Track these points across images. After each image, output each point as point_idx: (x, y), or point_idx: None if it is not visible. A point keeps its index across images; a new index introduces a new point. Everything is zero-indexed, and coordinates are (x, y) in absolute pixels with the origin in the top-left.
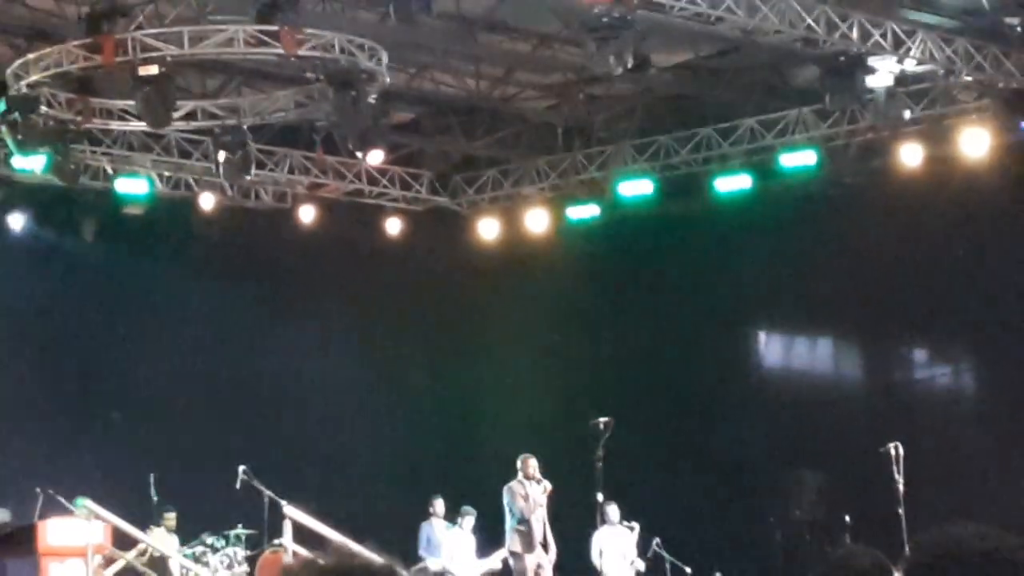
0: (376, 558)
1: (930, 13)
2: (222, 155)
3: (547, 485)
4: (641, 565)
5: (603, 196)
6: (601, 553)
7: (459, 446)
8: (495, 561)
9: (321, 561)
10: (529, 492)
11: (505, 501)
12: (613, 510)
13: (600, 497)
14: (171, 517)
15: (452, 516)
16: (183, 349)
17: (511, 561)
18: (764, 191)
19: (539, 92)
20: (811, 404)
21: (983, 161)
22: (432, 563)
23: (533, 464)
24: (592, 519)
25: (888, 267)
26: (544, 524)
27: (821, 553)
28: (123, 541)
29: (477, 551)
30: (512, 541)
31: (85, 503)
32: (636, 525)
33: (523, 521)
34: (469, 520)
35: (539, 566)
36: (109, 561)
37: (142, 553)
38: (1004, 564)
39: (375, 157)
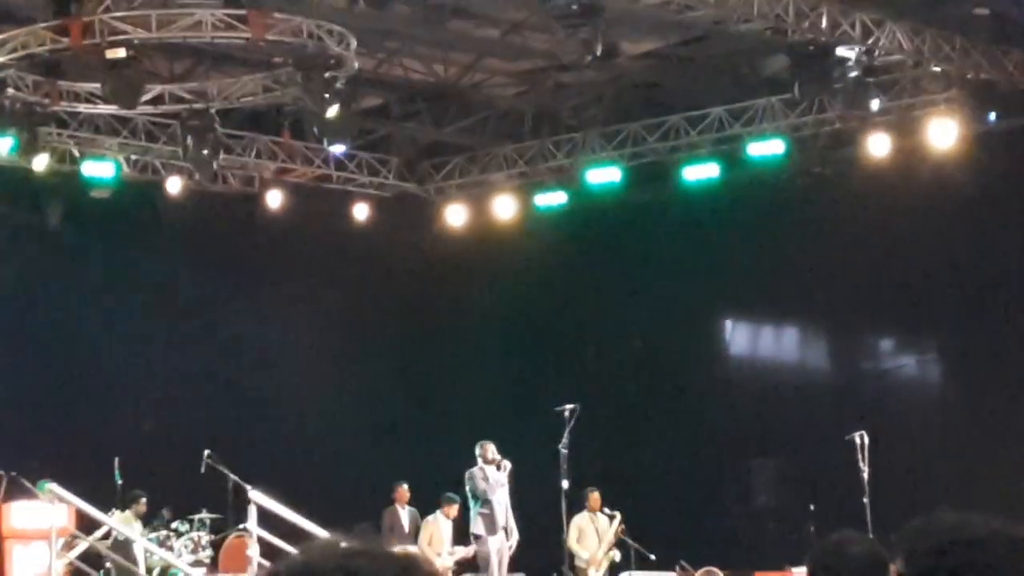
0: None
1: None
2: (192, 147)
3: (506, 464)
4: (617, 555)
5: (571, 183)
6: (579, 538)
7: (425, 432)
8: (470, 550)
9: (344, 544)
10: (489, 475)
11: (468, 487)
12: (594, 497)
13: (565, 484)
14: (143, 501)
15: (416, 503)
16: (149, 332)
17: (475, 544)
18: (732, 180)
19: (508, 79)
20: (777, 392)
21: (951, 151)
22: (396, 548)
23: (492, 449)
24: (557, 505)
25: (855, 257)
26: (507, 508)
27: (786, 541)
28: (88, 525)
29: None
30: (475, 524)
31: (49, 486)
32: (617, 514)
33: (486, 504)
34: (453, 508)
35: (499, 550)
36: (71, 545)
37: (105, 536)
38: (1009, 543)
39: (339, 149)
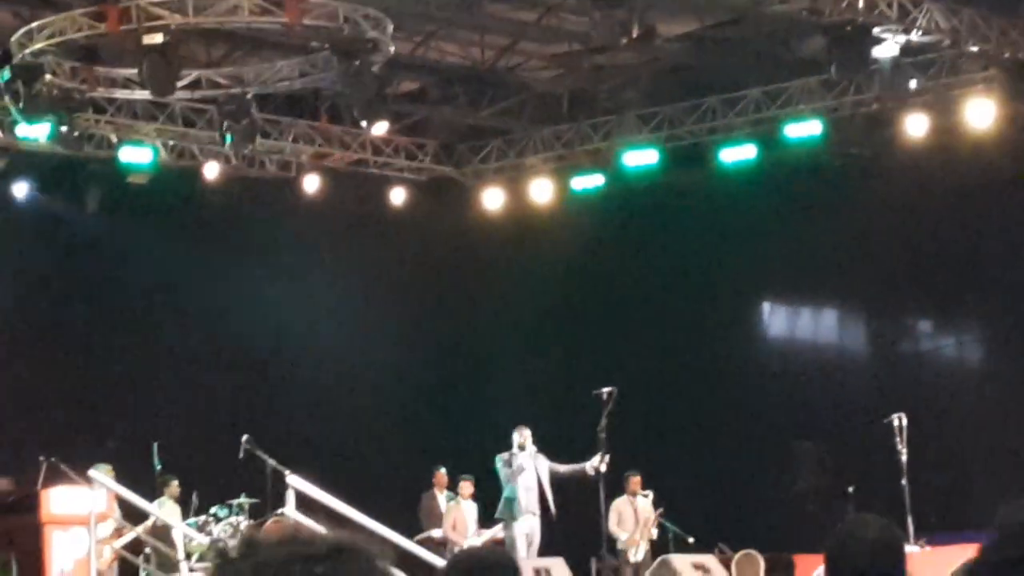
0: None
1: None
2: (228, 133)
3: (532, 450)
4: (654, 532)
5: (608, 166)
6: (619, 521)
7: (463, 416)
8: (496, 531)
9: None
10: (514, 461)
11: (498, 470)
12: (635, 481)
13: (604, 467)
14: (175, 485)
15: (455, 486)
16: (187, 318)
17: (501, 528)
18: (769, 161)
19: (544, 62)
20: (815, 375)
21: (989, 132)
22: (434, 533)
23: (526, 434)
24: (595, 488)
25: (893, 238)
26: (537, 491)
27: (823, 524)
28: (127, 510)
29: (480, 521)
30: (501, 509)
31: (99, 470)
32: (651, 493)
33: (512, 489)
34: (467, 487)
35: (528, 534)
36: (119, 533)
37: (151, 527)
38: None
39: (380, 128)
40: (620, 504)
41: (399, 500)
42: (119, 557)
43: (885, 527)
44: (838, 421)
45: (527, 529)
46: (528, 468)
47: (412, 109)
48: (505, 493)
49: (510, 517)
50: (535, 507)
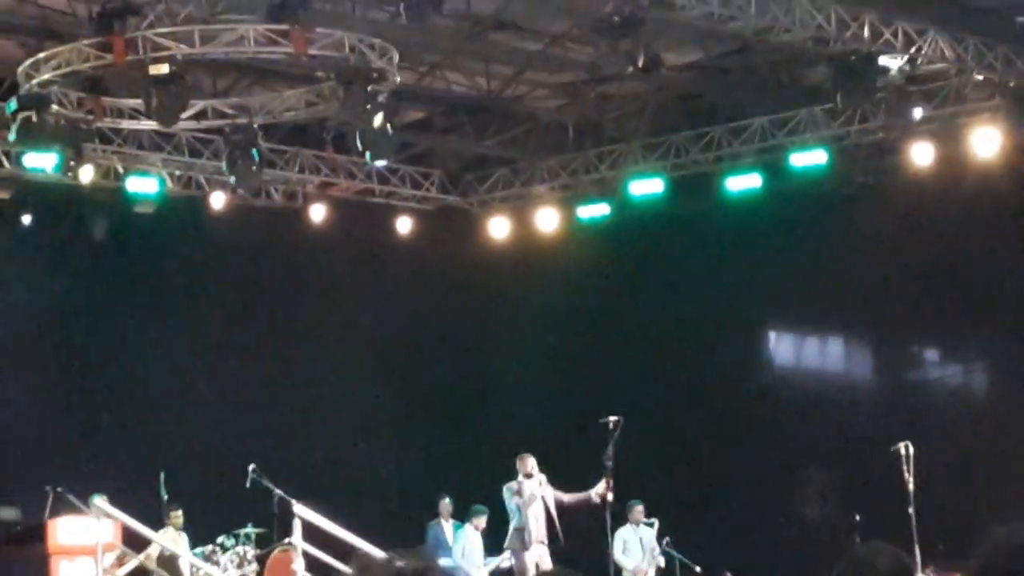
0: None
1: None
2: (233, 163)
3: (542, 479)
4: (661, 560)
5: (614, 195)
6: (624, 550)
7: (469, 444)
8: (503, 559)
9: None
10: (523, 489)
11: (505, 500)
12: (639, 510)
13: (610, 496)
14: (178, 515)
15: (460, 516)
16: (193, 348)
17: (512, 559)
18: (775, 190)
19: (550, 91)
20: (822, 403)
21: (994, 160)
22: (442, 563)
23: (531, 462)
24: (602, 517)
25: (899, 266)
26: (545, 520)
27: (831, 552)
28: (133, 540)
29: (485, 550)
30: (510, 539)
31: (99, 500)
32: (655, 521)
33: (520, 519)
34: (481, 519)
35: (538, 564)
36: (121, 561)
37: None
38: None
39: (382, 162)
40: (624, 533)
41: (404, 529)
42: None
43: (897, 555)
44: (844, 450)
45: (536, 558)
46: (538, 497)
47: (418, 139)
48: (514, 523)
49: (521, 547)
50: (544, 536)
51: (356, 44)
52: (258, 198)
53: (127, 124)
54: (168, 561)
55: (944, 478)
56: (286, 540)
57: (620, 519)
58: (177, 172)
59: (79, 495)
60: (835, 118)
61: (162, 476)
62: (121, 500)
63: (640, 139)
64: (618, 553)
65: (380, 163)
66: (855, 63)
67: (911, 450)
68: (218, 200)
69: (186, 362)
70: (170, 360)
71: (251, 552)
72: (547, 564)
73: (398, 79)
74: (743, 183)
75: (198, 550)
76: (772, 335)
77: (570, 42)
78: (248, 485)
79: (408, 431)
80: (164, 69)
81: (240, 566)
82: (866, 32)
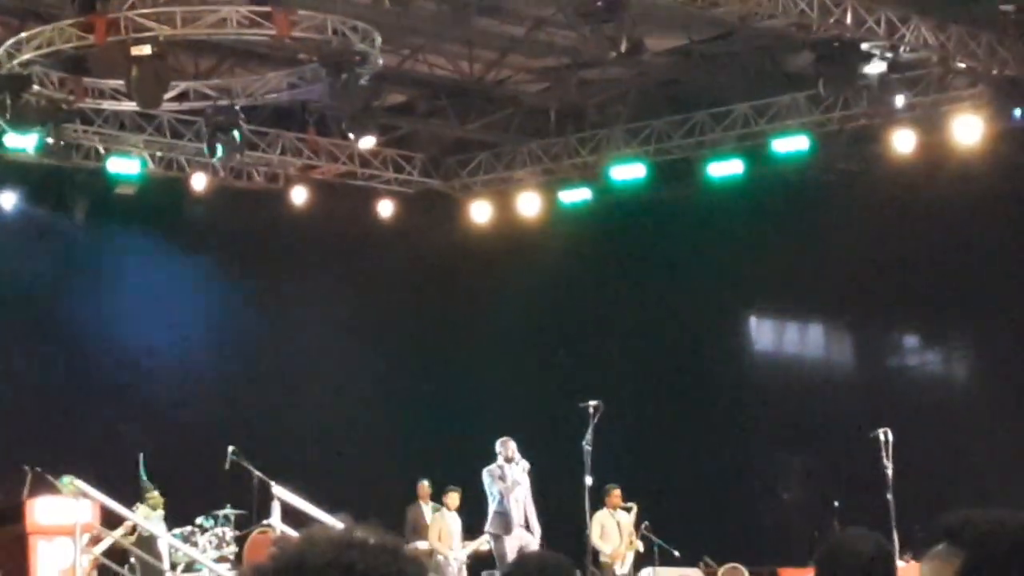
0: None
1: None
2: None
3: (525, 465)
4: (640, 545)
5: (595, 180)
6: (602, 534)
7: (449, 428)
8: (481, 543)
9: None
10: (507, 474)
11: (485, 484)
12: (617, 494)
13: (589, 480)
14: (154, 495)
15: (439, 498)
16: (174, 329)
17: (492, 543)
18: (756, 176)
19: (532, 75)
20: (802, 389)
21: (976, 148)
22: (420, 545)
23: (511, 446)
24: (580, 502)
25: (880, 253)
26: (526, 506)
27: (808, 538)
28: (112, 520)
29: (463, 533)
30: (491, 523)
31: (71, 480)
32: (633, 506)
33: (502, 503)
34: (453, 498)
35: (521, 548)
36: (96, 540)
37: (130, 532)
38: None
39: (367, 142)
40: (602, 517)
41: (384, 512)
42: (100, 565)
43: (878, 541)
44: (824, 435)
45: (517, 544)
46: (520, 483)
47: (400, 122)
48: (495, 507)
49: (504, 531)
50: (523, 521)
51: (339, 26)
52: (239, 180)
53: (108, 105)
54: (146, 541)
55: (923, 464)
56: (265, 522)
57: (598, 503)
58: (158, 153)
59: (57, 475)
60: (817, 105)
61: (141, 457)
62: (99, 480)
63: (622, 124)
64: (595, 537)
65: (365, 144)
66: (838, 50)
67: (890, 436)
68: (199, 181)
69: (164, 342)
70: (148, 340)
71: (230, 533)
72: (533, 547)
73: (380, 62)
74: (725, 169)
75: (177, 531)
76: (753, 320)
77: (553, 27)
78: (227, 466)
79: (388, 413)
80: (146, 50)
81: (219, 547)
82: (849, 19)
